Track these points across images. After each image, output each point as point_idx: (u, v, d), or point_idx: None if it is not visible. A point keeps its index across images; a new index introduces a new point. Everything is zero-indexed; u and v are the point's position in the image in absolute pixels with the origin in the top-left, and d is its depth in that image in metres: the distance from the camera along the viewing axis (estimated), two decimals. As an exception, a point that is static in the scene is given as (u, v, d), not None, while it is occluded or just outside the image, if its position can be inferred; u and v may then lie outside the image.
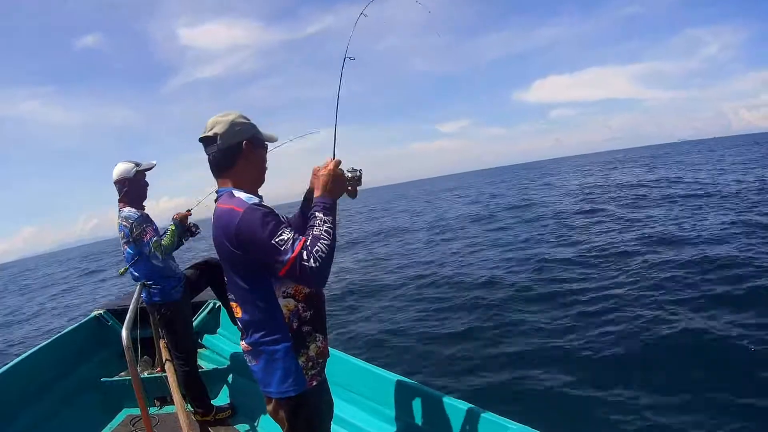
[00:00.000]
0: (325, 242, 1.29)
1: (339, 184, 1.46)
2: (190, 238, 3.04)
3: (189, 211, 2.98)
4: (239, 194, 1.40)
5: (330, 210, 1.38)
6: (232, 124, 1.42)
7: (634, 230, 9.73)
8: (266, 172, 1.54)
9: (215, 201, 1.45)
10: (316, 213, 1.37)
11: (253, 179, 1.49)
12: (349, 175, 1.53)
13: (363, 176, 1.57)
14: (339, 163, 1.49)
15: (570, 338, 4.97)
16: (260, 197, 1.48)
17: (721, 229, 8.40)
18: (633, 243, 8.55)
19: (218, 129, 1.41)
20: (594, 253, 8.31)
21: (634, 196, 15.02)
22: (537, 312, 5.92)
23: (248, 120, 1.47)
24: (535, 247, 9.58)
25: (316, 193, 1.43)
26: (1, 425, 2.57)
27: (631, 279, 6.60)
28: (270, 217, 1.32)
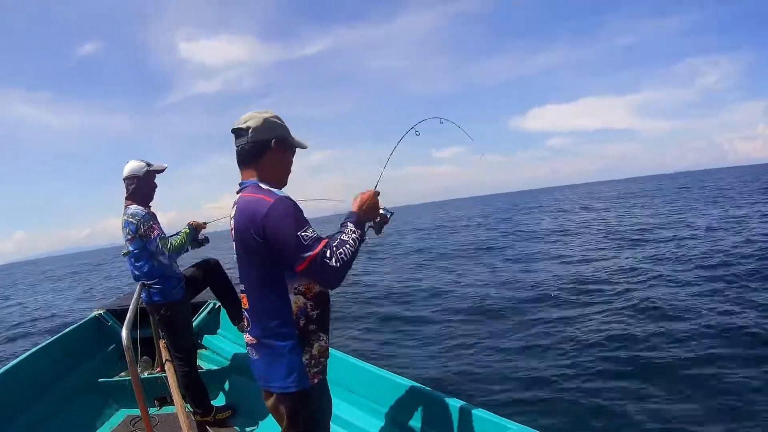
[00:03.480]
0: (350, 249, 1.36)
1: (373, 211, 1.56)
2: (198, 248, 3.07)
3: (205, 223, 3.01)
4: (267, 187, 1.43)
5: (361, 226, 1.47)
6: (266, 121, 1.47)
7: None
8: (289, 176, 1.57)
9: (238, 192, 1.48)
10: (349, 223, 1.45)
11: (277, 178, 1.51)
12: (382, 212, 1.62)
13: (392, 220, 1.66)
14: (378, 193, 1.57)
15: (567, 336, 4.98)
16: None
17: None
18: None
19: (251, 123, 1.46)
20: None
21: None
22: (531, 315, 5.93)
23: (282, 122, 1.51)
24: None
25: (353, 209, 1.52)
26: (1, 425, 2.56)
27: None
28: (298, 210, 1.37)
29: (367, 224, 1.57)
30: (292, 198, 1.43)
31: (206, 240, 3.06)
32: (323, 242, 1.32)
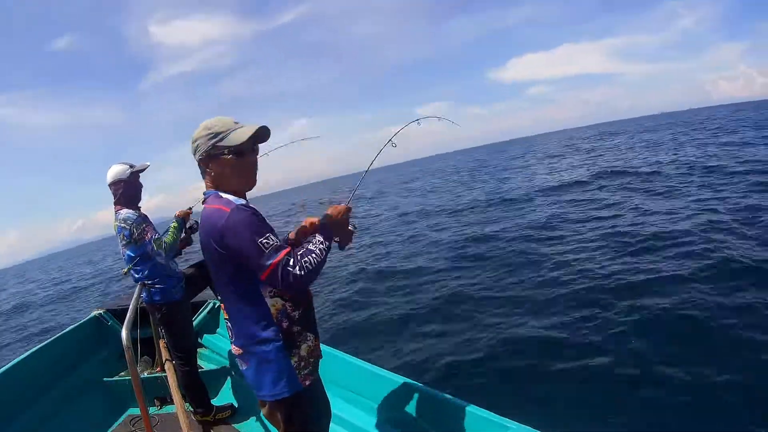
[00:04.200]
0: (317, 258, 1.34)
1: (342, 227, 1.57)
2: (192, 234, 3.05)
3: (190, 209, 2.98)
4: (226, 196, 1.41)
5: (330, 240, 1.46)
6: (193, 143, 1.46)
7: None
8: (249, 175, 1.47)
9: (202, 203, 1.47)
10: (318, 235, 1.43)
11: (231, 186, 1.45)
12: (351, 227, 1.63)
13: (354, 235, 1.68)
14: (350, 209, 1.59)
15: (566, 335, 4.97)
16: (246, 200, 1.48)
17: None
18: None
19: (191, 147, 1.47)
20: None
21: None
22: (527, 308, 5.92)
23: (209, 131, 1.42)
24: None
25: (324, 221, 1.52)
26: (2, 425, 2.57)
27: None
28: (256, 218, 1.33)
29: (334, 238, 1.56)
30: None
31: (197, 224, 3.03)
32: (285, 251, 1.29)
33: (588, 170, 16.05)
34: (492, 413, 1.82)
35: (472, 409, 1.86)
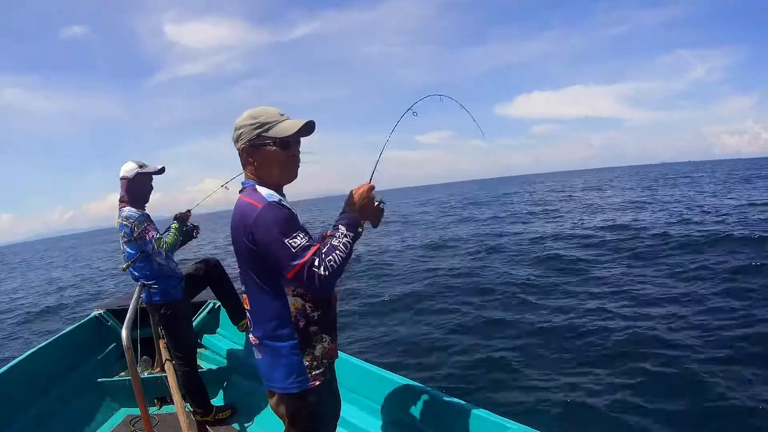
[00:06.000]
0: (341, 254, 1.32)
1: (368, 208, 1.50)
2: (194, 240, 3.07)
3: (189, 211, 3.00)
4: (261, 190, 1.42)
5: (353, 227, 1.42)
6: (236, 130, 1.45)
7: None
8: (292, 167, 1.47)
9: (240, 192, 1.47)
10: (340, 225, 1.41)
11: (272, 177, 1.46)
12: (377, 203, 1.55)
13: (385, 209, 1.59)
14: (372, 188, 1.50)
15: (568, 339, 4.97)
16: (283, 195, 1.48)
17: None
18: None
19: (233, 134, 1.46)
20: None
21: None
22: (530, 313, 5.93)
23: (254, 120, 1.42)
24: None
25: (346, 209, 1.47)
26: (1, 425, 2.57)
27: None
28: (287, 216, 1.34)
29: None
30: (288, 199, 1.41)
31: (196, 228, 3.04)
32: (313, 250, 1.29)
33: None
34: (492, 413, 1.82)
35: (472, 410, 1.86)
